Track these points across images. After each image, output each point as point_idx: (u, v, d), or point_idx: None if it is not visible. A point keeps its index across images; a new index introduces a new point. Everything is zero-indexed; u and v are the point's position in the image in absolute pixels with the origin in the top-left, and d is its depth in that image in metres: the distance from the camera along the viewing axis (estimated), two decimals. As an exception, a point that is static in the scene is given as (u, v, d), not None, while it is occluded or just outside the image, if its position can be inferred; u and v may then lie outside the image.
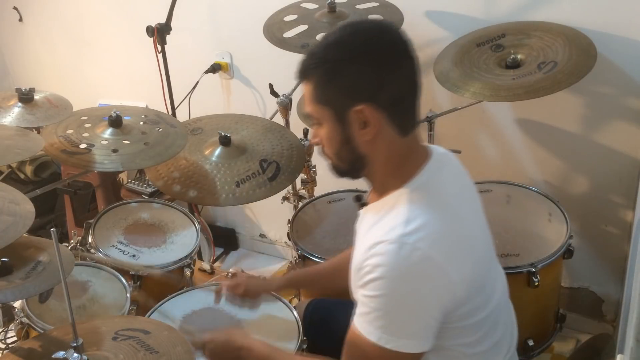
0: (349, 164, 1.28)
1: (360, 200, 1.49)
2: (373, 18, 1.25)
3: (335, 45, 1.19)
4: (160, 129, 1.97)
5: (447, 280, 1.16)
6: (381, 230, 1.18)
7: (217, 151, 2.02)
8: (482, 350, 1.29)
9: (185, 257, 2.01)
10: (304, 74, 1.23)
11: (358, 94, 1.18)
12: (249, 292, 1.71)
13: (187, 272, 2.00)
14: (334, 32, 1.21)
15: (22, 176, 3.05)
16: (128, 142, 1.88)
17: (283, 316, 1.70)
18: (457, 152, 2.01)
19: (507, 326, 1.38)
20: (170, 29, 2.45)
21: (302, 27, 2.16)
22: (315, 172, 2.27)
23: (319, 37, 2.11)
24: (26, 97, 1.92)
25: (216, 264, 2.84)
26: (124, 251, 1.98)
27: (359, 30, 1.20)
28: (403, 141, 1.23)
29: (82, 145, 1.84)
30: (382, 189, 1.28)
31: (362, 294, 1.18)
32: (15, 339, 1.82)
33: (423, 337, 1.19)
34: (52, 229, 1.18)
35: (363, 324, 1.19)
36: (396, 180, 1.24)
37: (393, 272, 1.13)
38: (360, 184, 2.26)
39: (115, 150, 1.84)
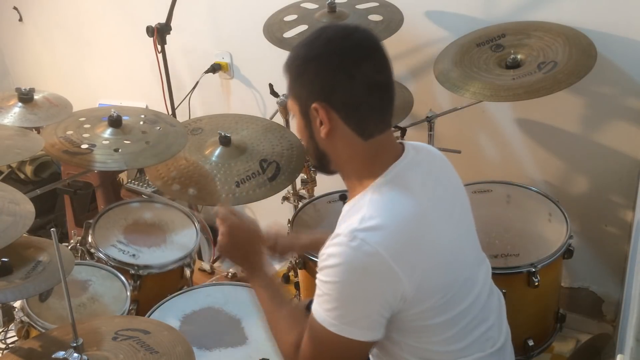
0: (315, 158, 1.35)
1: (344, 199, 1.50)
2: (349, 22, 1.32)
3: (304, 44, 1.27)
4: (160, 128, 1.97)
5: (393, 279, 1.19)
6: (343, 226, 1.24)
7: (217, 151, 2.02)
8: (458, 348, 1.30)
9: (185, 256, 2.01)
10: (284, 68, 1.31)
11: (315, 93, 1.25)
12: (277, 248, 1.69)
13: (187, 271, 2.01)
14: (310, 33, 1.29)
15: (22, 176, 3.05)
16: (129, 141, 1.88)
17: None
18: (457, 152, 2.02)
19: (491, 324, 1.36)
20: (170, 29, 2.45)
21: (302, 27, 2.16)
22: (315, 172, 2.27)
23: None
24: (26, 97, 1.92)
25: (216, 264, 2.84)
26: (124, 251, 1.98)
27: (324, 33, 1.26)
28: (366, 144, 1.27)
29: (84, 146, 1.84)
30: (353, 188, 1.32)
31: (318, 278, 1.24)
32: (15, 338, 1.82)
33: (366, 327, 1.22)
34: (52, 229, 1.18)
35: (315, 305, 1.25)
36: (363, 179, 1.29)
37: (341, 262, 1.19)
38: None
39: (117, 150, 1.84)
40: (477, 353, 1.33)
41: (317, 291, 1.25)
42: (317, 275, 1.25)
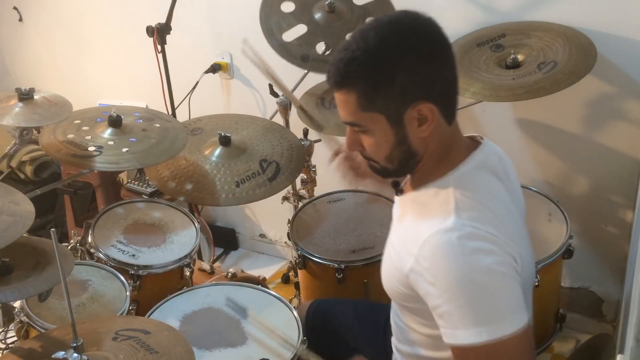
0: (400, 163, 1.22)
1: (397, 186, 1.38)
2: (399, 11, 1.20)
3: (379, 48, 1.11)
4: (158, 125, 1.97)
5: (508, 256, 1.13)
6: (430, 222, 1.15)
7: (217, 151, 2.02)
8: None
9: (185, 256, 2.01)
10: (344, 83, 1.14)
11: (412, 95, 1.13)
12: (360, 170, 1.60)
13: (187, 271, 2.00)
14: (371, 33, 1.12)
15: (22, 176, 3.05)
16: (135, 139, 1.88)
17: (283, 316, 1.70)
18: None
19: None
20: (170, 29, 2.45)
21: (302, 28, 2.15)
22: (315, 172, 2.27)
23: (318, 47, 2.10)
24: (26, 97, 1.91)
25: (216, 264, 2.84)
26: (124, 251, 1.98)
27: (402, 30, 1.13)
28: (449, 129, 1.21)
29: (91, 148, 1.83)
30: (423, 178, 1.25)
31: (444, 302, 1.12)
32: (15, 339, 1.82)
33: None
34: (52, 229, 1.18)
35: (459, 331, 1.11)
36: (441, 168, 1.22)
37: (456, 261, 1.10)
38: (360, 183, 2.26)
39: (126, 150, 1.84)
40: None
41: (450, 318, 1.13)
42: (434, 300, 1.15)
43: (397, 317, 1.40)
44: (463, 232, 1.10)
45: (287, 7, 2.20)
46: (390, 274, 1.28)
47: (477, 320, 1.09)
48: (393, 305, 1.43)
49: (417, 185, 1.27)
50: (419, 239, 1.14)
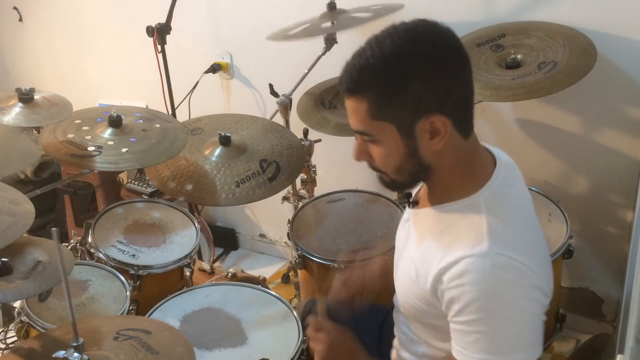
0: (410, 175, 1.19)
1: (409, 198, 1.33)
2: (416, 20, 1.15)
3: (395, 56, 1.08)
4: (158, 125, 1.97)
5: (536, 283, 1.11)
6: (462, 243, 1.12)
7: (217, 151, 2.02)
8: None
9: (185, 256, 2.01)
10: (357, 90, 1.12)
11: (426, 106, 1.09)
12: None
13: (187, 272, 2.01)
14: (387, 40, 1.09)
15: (22, 176, 3.05)
16: (135, 140, 1.88)
17: (283, 316, 1.70)
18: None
19: None
20: (170, 29, 2.45)
21: (305, 26, 2.16)
22: (315, 172, 2.27)
23: (323, 26, 2.09)
24: (26, 97, 1.92)
25: (216, 264, 2.84)
26: (124, 251, 1.98)
27: (419, 38, 1.10)
28: (466, 143, 1.17)
29: (91, 148, 1.83)
30: (444, 194, 1.21)
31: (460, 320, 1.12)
32: (15, 338, 1.82)
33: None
34: (53, 229, 1.18)
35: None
36: (465, 186, 1.18)
37: (486, 288, 1.08)
38: (360, 183, 2.26)
39: (126, 150, 1.84)
40: None
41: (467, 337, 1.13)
42: (455, 318, 1.14)
43: (408, 329, 1.38)
44: (497, 261, 1.08)
45: (292, 32, 2.22)
46: (409, 291, 1.26)
47: (488, 349, 1.10)
48: (401, 317, 1.41)
49: (438, 200, 1.23)
50: (446, 259, 1.13)
